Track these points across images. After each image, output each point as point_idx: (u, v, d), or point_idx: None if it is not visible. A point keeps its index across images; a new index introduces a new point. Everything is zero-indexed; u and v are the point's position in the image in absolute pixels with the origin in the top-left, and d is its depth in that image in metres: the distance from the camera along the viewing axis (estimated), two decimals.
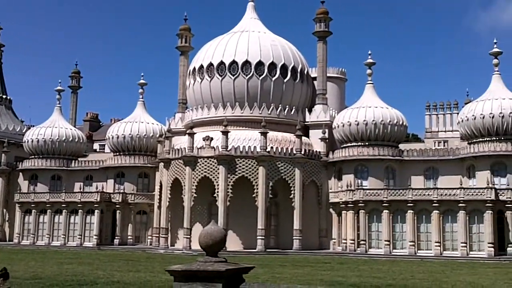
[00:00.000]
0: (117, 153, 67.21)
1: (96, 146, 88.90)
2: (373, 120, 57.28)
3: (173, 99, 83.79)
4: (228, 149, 54.65)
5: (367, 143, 57.40)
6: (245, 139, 58.23)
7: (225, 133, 54.89)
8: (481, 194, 48.69)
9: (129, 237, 63.52)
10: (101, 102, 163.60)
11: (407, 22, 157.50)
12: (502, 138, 52.78)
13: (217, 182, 54.44)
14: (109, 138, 68.19)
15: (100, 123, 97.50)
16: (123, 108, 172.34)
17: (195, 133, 57.02)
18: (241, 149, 55.13)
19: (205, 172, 55.09)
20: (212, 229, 9.75)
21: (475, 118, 53.87)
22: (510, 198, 49.51)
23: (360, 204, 52.52)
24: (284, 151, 56.01)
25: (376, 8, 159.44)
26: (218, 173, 54.45)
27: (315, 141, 60.40)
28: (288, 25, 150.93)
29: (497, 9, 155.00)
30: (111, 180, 66.27)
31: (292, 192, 55.56)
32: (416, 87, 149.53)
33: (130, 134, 66.52)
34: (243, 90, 60.94)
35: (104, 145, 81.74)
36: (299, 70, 62.74)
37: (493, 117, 52.92)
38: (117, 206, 63.51)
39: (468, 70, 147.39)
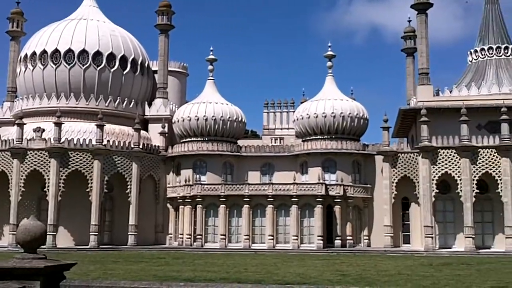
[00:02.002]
0: None
1: None
2: (213, 116, 57.72)
3: (1, 87, 78.09)
4: (61, 142, 52.01)
5: (206, 139, 57.71)
6: (80, 131, 56.04)
7: (58, 124, 52.14)
8: (312, 190, 51.08)
9: None
10: None
11: (250, 19, 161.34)
12: (333, 137, 55.79)
13: (48, 176, 51.56)
14: None
15: None
16: None
17: (25, 123, 53.59)
18: (75, 142, 52.78)
19: (35, 165, 51.95)
20: (30, 225, 9.29)
21: (309, 117, 56.42)
22: (338, 193, 52.50)
23: (197, 199, 52.68)
24: (122, 144, 54.55)
25: (220, 4, 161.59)
26: (49, 167, 51.58)
27: (154, 136, 59.54)
28: (130, 16, 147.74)
29: (339, 11, 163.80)
30: None
31: (129, 187, 54.26)
32: (256, 85, 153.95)
33: None
34: (79, 80, 58.40)
35: None
36: (139, 62, 61.47)
37: (325, 116, 55.77)
38: None
39: (307, 70, 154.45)
